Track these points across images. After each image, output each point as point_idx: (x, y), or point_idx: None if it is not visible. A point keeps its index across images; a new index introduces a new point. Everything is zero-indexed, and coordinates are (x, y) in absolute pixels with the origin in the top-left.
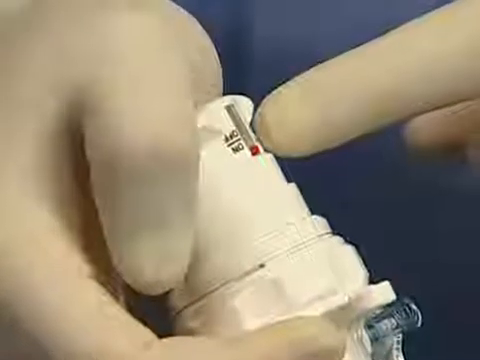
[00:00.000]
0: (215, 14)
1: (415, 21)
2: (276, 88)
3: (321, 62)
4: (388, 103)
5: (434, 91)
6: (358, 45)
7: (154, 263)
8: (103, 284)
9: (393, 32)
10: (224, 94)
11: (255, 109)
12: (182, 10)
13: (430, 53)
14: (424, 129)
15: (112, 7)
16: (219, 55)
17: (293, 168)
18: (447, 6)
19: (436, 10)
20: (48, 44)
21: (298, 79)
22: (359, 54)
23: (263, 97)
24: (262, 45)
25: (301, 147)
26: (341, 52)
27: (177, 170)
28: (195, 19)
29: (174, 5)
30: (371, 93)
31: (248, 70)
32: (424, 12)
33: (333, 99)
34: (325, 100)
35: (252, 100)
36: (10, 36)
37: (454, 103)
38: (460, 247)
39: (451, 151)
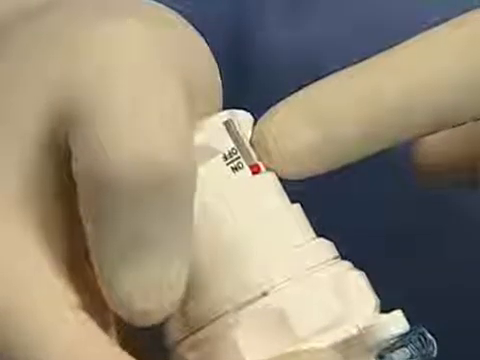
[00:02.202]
0: (216, 21)
1: (421, 35)
2: (278, 101)
3: (326, 71)
4: (393, 122)
5: (438, 111)
6: (366, 52)
7: (146, 292)
8: (92, 314)
9: (398, 47)
10: (224, 107)
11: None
12: (182, 19)
13: (430, 71)
14: (430, 149)
15: (110, 16)
16: (219, 65)
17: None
18: (446, 24)
19: (435, 27)
20: (41, 49)
21: (298, 96)
22: (362, 69)
23: (266, 110)
24: (265, 54)
25: (303, 169)
26: (348, 60)
27: (172, 191)
28: (195, 30)
29: (174, 13)
30: (376, 112)
31: (250, 81)
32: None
33: (336, 118)
34: (327, 119)
35: (254, 113)
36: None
37: (462, 123)
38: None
39: (459, 172)
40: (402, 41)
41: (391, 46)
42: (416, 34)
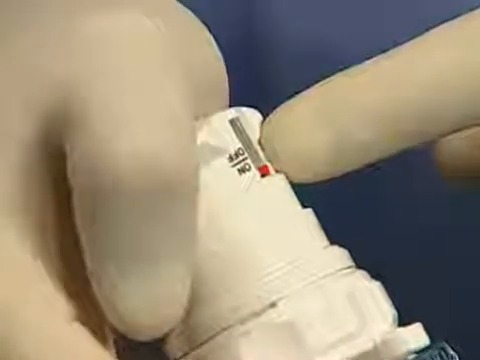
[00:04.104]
0: (223, 15)
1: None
2: (289, 98)
3: (340, 66)
4: (411, 122)
5: (456, 108)
6: (380, 46)
7: (146, 304)
8: (89, 327)
9: (415, 41)
10: (231, 105)
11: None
12: (187, 11)
13: (454, 65)
14: (452, 150)
15: (109, 9)
16: (226, 60)
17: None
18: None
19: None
20: (36, 45)
21: (310, 92)
22: (380, 65)
23: (275, 108)
24: (275, 48)
25: (315, 172)
26: (364, 55)
27: (173, 196)
28: (201, 22)
29: (179, 5)
30: (394, 111)
31: (259, 77)
32: (450, 14)
33: (351, 117)
34: (342, 118)
35: (263, 111)
36: None
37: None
38: None
39: None
40: (414, 34)
41: (404, 41)
42: (429, 29)
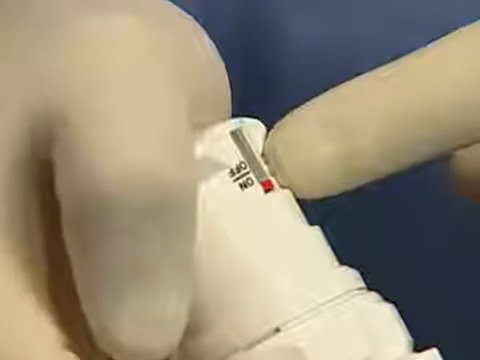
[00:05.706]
0: (228, 17)
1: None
2: (295, 107)
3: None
4: (424, 133)
5: (471, 122)
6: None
7: (142, 329)
8: (79, 354)
9: (429, 48)
10: (233, 116)
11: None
12: (185, 15)
13: (465, 76)
14: (469, 161)
15: (102, 11)
16: (228, 66)
17: None
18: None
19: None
20: (13, 60)
21: (316, 102)
22: (388, 73)
23: (281, 117)
24: (280, 51)
25: (324, 187)
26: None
27: (170, 213)
28: (200, 25)
29: (176, 8)
30: (405, 122)
31: (264, 85)
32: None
33: (361, 128)
34: (351, 130)
35: (267, 116)
36: None
37: None
38: None
39: None
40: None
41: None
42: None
